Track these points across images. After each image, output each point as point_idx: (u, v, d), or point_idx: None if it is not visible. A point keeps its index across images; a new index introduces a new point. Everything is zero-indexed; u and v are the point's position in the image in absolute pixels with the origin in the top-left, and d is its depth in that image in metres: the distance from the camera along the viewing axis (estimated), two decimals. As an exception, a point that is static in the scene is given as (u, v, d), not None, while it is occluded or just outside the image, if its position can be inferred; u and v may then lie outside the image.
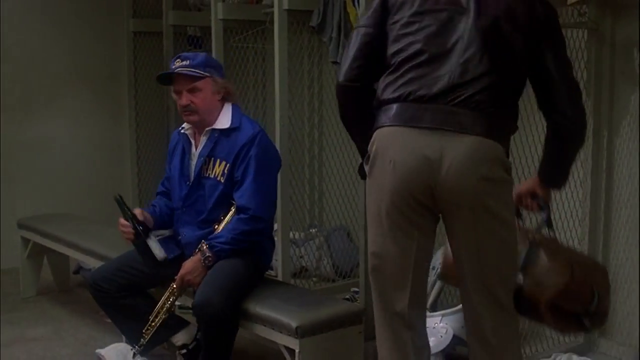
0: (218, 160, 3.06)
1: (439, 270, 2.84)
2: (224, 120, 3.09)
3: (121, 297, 3.10)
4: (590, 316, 2.27)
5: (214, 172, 3.06)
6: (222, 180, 3.04)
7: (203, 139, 3.11)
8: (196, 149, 3.13)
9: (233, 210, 3.03)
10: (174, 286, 3.00)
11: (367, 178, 2.29)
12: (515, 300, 2.22)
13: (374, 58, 2.28)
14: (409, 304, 2.25)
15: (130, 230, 3.05)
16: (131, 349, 3.15)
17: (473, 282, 2.20)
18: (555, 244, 2.37)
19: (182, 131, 3.18)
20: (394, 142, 2.18)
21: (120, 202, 3.06)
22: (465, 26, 2.15)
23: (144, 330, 3.03)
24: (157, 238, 3.11)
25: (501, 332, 2.22)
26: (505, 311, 2.22)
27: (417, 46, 2.18)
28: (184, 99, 3.04)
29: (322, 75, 4.84)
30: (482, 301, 2.20)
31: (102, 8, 5.42)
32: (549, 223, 2.37)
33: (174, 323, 3.15)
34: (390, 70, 2.23)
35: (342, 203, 4.58)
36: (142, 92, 5.52)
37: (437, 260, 2.88)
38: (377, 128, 2.23)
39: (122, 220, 3.08)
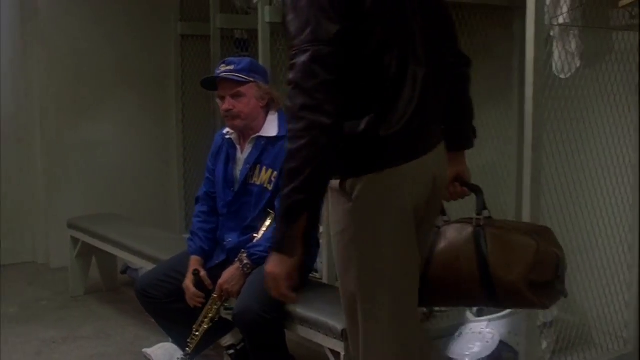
0: (265, 168, 3.02)
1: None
2: (271, 128, 3.05)
3: (168, 302, 3.09)
4: (561, 278, 2.13)
5: (260, 179, 3.03)
6: (270, 188, 3.00)
7: (248, 147, 3.07)
8: (242, 155, 3.10)
9: (271, 219, 2.99)
10: (215, 296, 3.00)
11: None
12: (490, 290, 2.09)
13: None
14: None
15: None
16: (178, 359, 3.17)
17: None
18: (499, 222, 2.21)
19: (226, 136, 3.14)
20: None
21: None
22: None
23: (188, 340, 3.03)
24: None
25: None
26: None
27: None
28: (227, 104, 3.01)
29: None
30: None
31: (150, 12, 5.49)
32: (484, 204, 2.19)
33: (220, 327, 3.14)
34: None
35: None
36: (189, 95, 5.57)
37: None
38: None
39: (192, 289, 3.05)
